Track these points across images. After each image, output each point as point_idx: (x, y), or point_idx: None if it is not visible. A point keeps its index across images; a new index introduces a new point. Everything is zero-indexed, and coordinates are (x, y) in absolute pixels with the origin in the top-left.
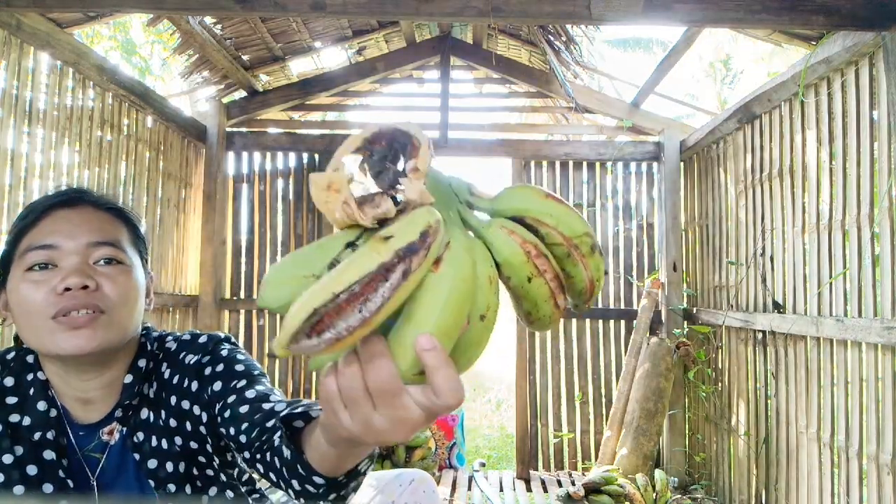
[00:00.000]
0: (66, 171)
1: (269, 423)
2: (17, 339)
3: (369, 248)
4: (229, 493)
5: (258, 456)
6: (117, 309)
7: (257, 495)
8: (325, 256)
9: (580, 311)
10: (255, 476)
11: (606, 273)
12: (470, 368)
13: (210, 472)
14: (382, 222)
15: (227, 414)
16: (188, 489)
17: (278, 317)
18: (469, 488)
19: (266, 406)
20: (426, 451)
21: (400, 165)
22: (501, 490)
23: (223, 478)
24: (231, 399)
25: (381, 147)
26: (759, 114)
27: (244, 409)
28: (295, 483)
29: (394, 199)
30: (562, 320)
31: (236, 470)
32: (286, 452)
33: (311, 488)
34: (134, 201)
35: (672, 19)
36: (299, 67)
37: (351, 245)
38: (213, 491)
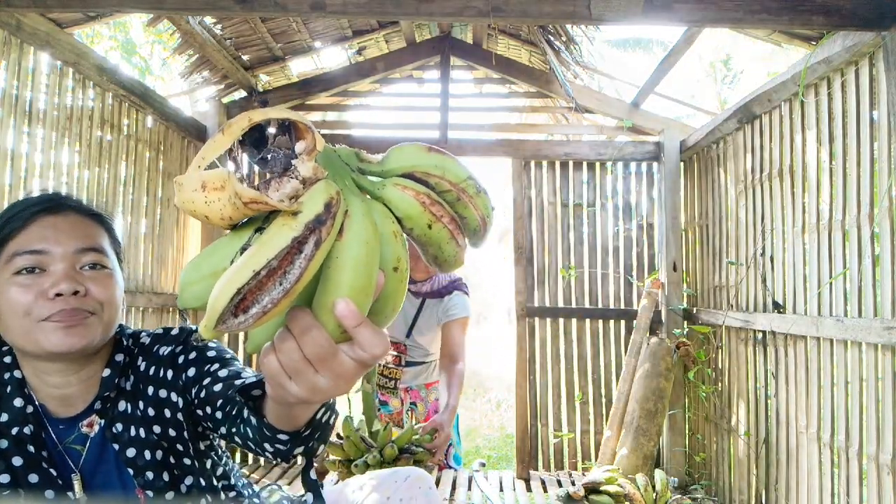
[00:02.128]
0: (66, 171)
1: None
2: None
3: (279, 225)
4: (202, 482)
5: (233, 430)
6: (104, 311)
7: (234, 493)
8: (235, 246)
9: (477, 247)
10: (233, 473)
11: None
12: (394, 314)
13: (187, 461)
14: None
15: (202, 395)
16: (166, 476)
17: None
18: (469, 488)
19: (238, 383)
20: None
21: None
22: (501, 490)
23: (197, 466)
24: (206, 381)
25: (254, 137)
26: (759, 114)
27: (218, 387)
28: (267, 446)
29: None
30: (562, 320)
31: (209, 461)
32: (253, 420)
33: (280, 446)
34: (134, 201)
35: (672, 19)
36: (299, 67)
37: (260, 230)
38: (189, 480)
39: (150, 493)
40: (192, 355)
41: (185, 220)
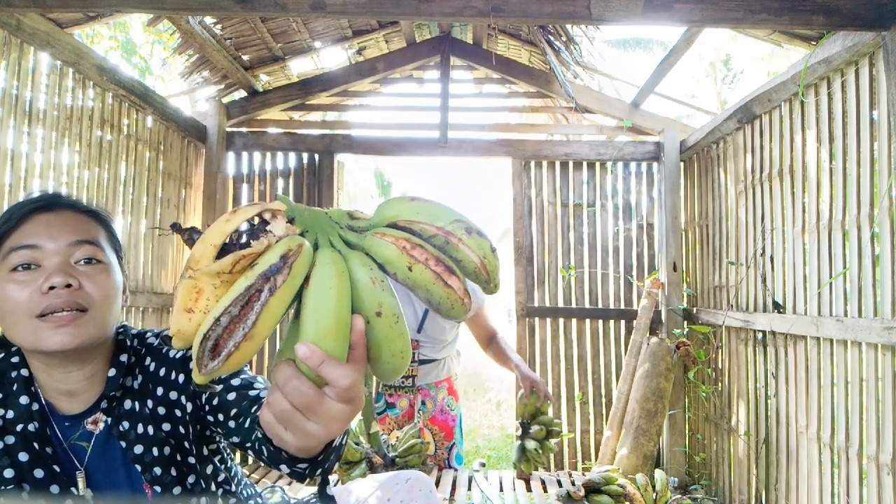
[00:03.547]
0: (66, 171)
1: (255, 410)
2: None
3: (242, 277)
4: (202, 484)
5: (248, 444)
6: (98, 306)
7: (234, 500)
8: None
9: (492, 293)
10: (235, 480)
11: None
12: (401, 359)
13: (191, 460)
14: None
15: (214, 402)
16: (173, 471)
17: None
18: (469, 488)
19: (252, 393)
20: (421, 447)
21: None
22: (501, 490)
23: (199, 469)
24: (217, 389)
25: (237, 233)
26: (759, 114)
27: (231, 396)
28: (284, 467)
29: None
30: (562, 320)
31: (211, 467)
32: (270, 447)
33: (297, 470)
34: (134, 201)
35: (672, 19)
36: (299, 67)
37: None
38: (191, 478)
39: (157, 488)
40: None
41: (186, 221)
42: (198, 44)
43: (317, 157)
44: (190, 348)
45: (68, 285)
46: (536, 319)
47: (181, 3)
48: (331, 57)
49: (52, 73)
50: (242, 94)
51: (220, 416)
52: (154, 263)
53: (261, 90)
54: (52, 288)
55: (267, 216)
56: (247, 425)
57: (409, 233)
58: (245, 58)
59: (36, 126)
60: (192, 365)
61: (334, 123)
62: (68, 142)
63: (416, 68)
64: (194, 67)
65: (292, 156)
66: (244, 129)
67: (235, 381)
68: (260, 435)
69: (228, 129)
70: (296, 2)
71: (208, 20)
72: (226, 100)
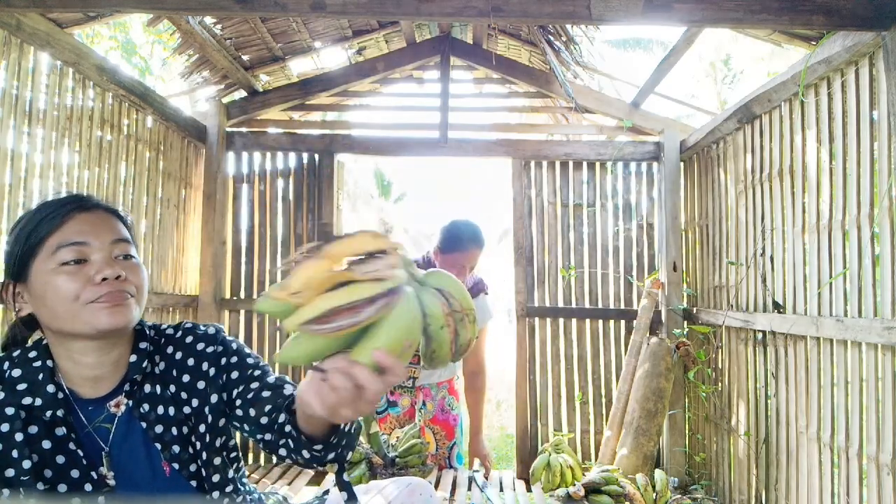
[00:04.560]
0: (66, 171)
1: (286, 404)
2: (5, 340)
3: (371, 284)
4: (203, 471)
5: (281, 441)
6: (141, 294)
7: (227, 500)
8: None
9: (454, 361)
10: (238, 482)
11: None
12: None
13: (199, 445)
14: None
15: (249, 396)
16: (190, 450)
17: (277, 320)
18: (469, 488)
19: (286, 392)
20: (421, 447)
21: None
22: (501, 490)
23: (205, 457)
24: (253, 385)
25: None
26: (759, 114)
27: (267, 394)
28: (304, 452)
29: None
30: (562, 320)
31: (217, 459)
32: (294, 433)
33: (315, 454)
34: (134, 201)
35: (672, 19)
36: (299, 67)
37: (343, 284)
38: (200, 461)
39: (175, 465)
40: (234, 359)
41: (186, 221)
42: (198, 44)
43: (317, 157)
44: (216, 345)
45: (118, 276)
46: (536, 319)
47: (181, 3)
48: (331, 57)
49: (52, 73)
50: (242, 94)
51: (252, 412)
52: (154, 263)
53: (261, 90)
54: (104, 279)
55: (390, 250)
56: (280, 420)
57: (447, 299)
58: (245, 58)
59: (36, 126)
60: (299, 316)
61: (334, 123)
62: (68, 142)
63: (416, 68)
64: (194, 67)
65: (292, 156)
66: (244, 129)
67: (270, 380)
68: (288, 429)
69: (228, 129)
70: (296, 2)
71: (208, 20)
72: (226, 100)
